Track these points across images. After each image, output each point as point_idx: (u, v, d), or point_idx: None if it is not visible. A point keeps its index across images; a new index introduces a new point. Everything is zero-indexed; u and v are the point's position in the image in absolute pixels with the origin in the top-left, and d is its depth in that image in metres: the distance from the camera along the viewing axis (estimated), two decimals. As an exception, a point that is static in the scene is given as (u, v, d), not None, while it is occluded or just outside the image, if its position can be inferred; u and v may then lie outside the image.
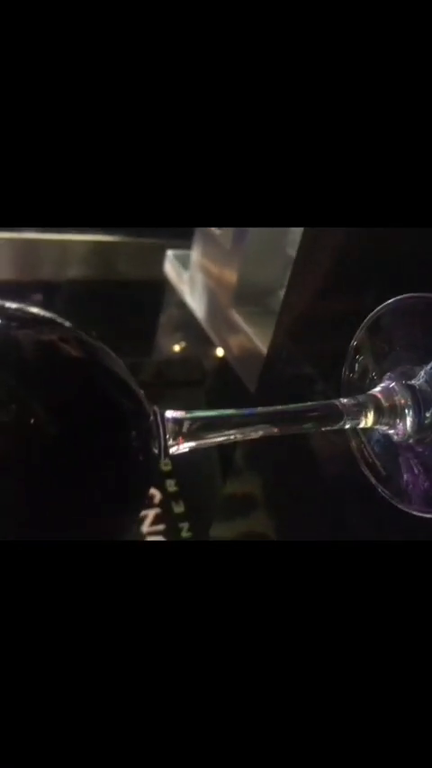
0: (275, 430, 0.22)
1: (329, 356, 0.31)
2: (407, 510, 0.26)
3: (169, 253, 0.90)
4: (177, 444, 0.20)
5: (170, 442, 0.20)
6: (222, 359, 0.79)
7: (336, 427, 0.23)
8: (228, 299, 0.73)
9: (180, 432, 0.20)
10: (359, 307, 0.27)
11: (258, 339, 0.63)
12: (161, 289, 0.95)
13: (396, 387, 0.24)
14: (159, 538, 0.69)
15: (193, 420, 0.21)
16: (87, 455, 0.18)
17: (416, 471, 0.25)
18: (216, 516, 0.63)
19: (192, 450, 0.21)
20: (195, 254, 0.82)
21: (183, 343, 0.95)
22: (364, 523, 0.31)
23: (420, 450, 0.25)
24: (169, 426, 0.20)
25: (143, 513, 0.71)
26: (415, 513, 0.25)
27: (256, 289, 0.69)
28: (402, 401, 0.24)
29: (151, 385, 0.76)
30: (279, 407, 0.23)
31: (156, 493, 0.72)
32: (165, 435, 0.20)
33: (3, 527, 0.16)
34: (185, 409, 0.20)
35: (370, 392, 0.24)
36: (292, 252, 0.51)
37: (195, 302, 0.83)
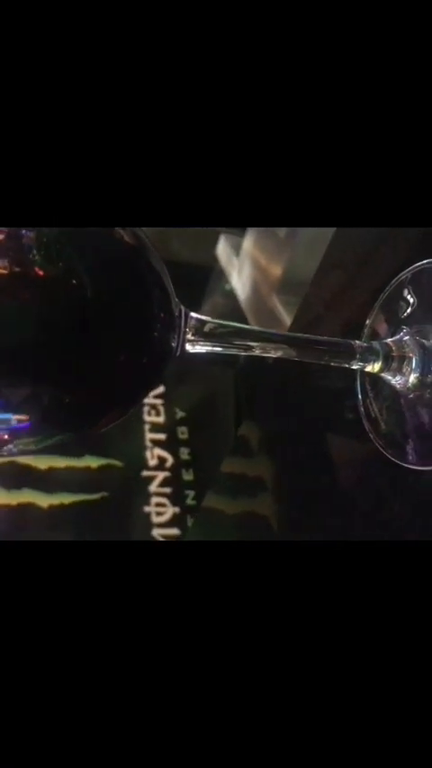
0: (293, 353, 0.24)
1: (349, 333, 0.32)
2: (399, 462, 0.27)
3: (222, 237, 0.92)
4: (196, 342, 0.22)
5: (189, 337, 0.22)
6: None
7: (346, 365, 0.25)
8: (271, 287, 0.75)
9: (201, 331, 0.22)
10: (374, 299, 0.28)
11: (294, 327, 0.64)
12: (210, 271, 0.97)
13: (408, 340, 0.25)
14: (164, 500, 0.71)
15: (217, 325, 0.22)
16: (113, 326, 0.20)
17: (412, 426, 0.26)
18: (222, 490, 0.64)
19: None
20: (248, 240, 0.84)
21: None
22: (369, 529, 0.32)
23: (419, 407, 0.26)
24: (191, 323, 0.22)
25: (153, 473, 0.73)
26: (407, 465, 0.27)
27: (300, 279, 0.71)
28: (411, 354, 0.25)
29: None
30: (301, 334, 0.24)
31: (168, 457, 0.74)
32: (185, 329, 0.22)
33: (35, 368, 0.19)
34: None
35: (383, 340, 0.26)
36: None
37: (241, 286, 0.85)
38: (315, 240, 0.70)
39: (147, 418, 0.76)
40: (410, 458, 0.26)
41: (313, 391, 0.44)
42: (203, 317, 0.22)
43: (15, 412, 0.19)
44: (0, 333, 0.18)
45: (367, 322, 0.28)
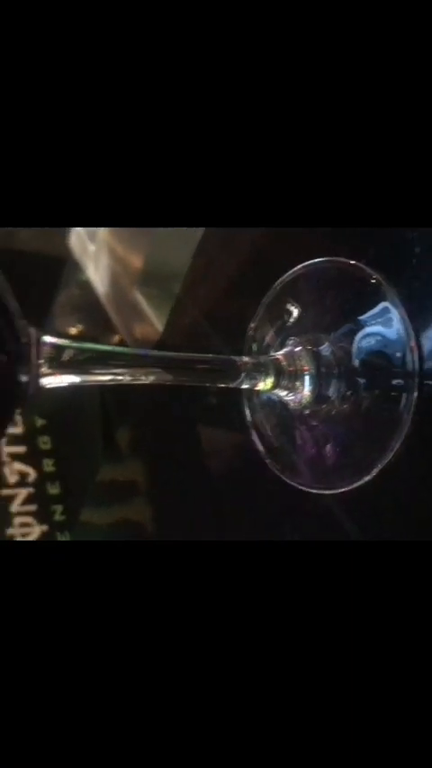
0: (169, 377, 0.20)
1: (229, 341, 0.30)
2: (294, 484, 0.24)
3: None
4: (54, 374, 0.17)
5: (44, 370, 0.17)
6: (121, 342, 0.76)
7: (233, 385, 0.22)
8: (132, 280, 0.70)
9: (59, 360, 0.17)
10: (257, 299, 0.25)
11: (159, 323, 0.61)
12: (63, 264, 0.91)
13: (300, 352, 0.23)
14: (29, 519, 0.64)
15: (79, 350, 0.18)
16: None
17: (307, 445, 0.24)
18: (93, 500, 0.61)
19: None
20: (102, 229, 0.79)
21: (80, 326, 0.91)
22: (244, 521, 0.30)
23: (314, 423, 0.23)
24: (45, 350, 0.17)
25: (13, 491, 0.66)
26: (301, 487, 0.24)
27: (161, 272, 0.68)
28: (305, 367, 0.22)
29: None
30: (176, 353, 0.20)
31: (30, 471, 0.67)
32: (38, 360, 0.17)
33: None
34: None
35: (272, 354, 0.23)
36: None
37: (99, 280, 0.80)
38: (173, 230, 0.66)
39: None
40: (303, 479, 0.24)
41: (186, 388, 0.41)
42: (59, 341, 0.18)
43: None
44: None
45: (251, 327, 0.25)
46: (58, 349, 0.17)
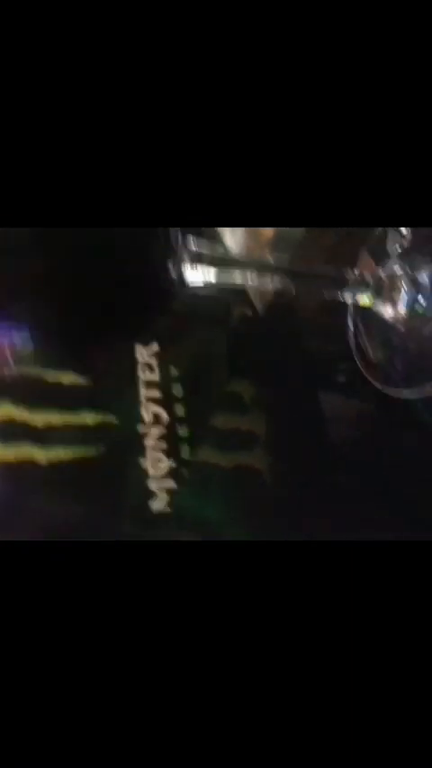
0: (287, 281, 0.24)
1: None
2: (387, 392, 0.28)
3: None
4: (195, 266, 0.23)
5: (187, 265, 0.22)
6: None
7: (338, 297, 0.26)
8: (263, 244, 0.74)
9: (199, 257, 0.23)
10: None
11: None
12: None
13: (398, 269, 0.26)
14: (160, 455, 0.72)
15: (213, 252, 0.23)
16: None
17: (400, 352, 0.27)
18: (216, 444, 0.65)
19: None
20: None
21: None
22: (361, 480, 0.33)
23: (405, 331, 0.27)
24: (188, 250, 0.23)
25: (148, 429, 0.74)
26: (394, 394, 0.28)
27: (293, 237, 0.70)
28: (401, 284, 0.26)
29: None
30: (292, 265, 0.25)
31: (163, 413, 0.75)
32: (183, 255, 0.22)
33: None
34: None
35: (376, 272, 0.27)
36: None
37: (234, 244, 0.84)
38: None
39: (141, 376, 0.76)
40: (397, 384, 0.27)
41: (303, 346, 0.44)
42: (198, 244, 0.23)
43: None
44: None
45: (365, 252, 0.29)
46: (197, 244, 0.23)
